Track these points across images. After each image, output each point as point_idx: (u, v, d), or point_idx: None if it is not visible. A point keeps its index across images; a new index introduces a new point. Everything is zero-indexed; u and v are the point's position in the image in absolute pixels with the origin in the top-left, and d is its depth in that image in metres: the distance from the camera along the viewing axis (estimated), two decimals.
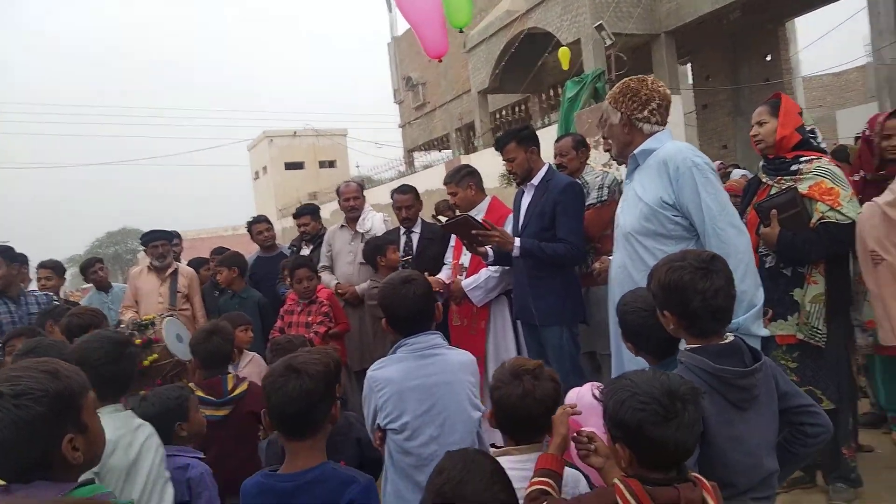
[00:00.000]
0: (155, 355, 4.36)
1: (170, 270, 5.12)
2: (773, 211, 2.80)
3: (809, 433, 1.81)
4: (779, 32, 14.24)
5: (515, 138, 3.57)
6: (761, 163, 3.09)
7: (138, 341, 4.34)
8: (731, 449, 1.66)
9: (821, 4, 13.26)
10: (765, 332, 2.27)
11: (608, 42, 10.06)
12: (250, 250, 6.11)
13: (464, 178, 3.97)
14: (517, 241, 3.40)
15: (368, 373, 2.31)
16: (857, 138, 3.61)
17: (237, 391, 2.97)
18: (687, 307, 1.73)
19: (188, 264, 5.61)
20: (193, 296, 5.16)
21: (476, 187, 3.99)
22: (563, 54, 7.65)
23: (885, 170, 3.26)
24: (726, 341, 1.77)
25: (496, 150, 3.75)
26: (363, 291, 4.58)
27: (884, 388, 3.38)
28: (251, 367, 4.00)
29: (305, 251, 5.41)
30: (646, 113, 2.46)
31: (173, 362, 4.41)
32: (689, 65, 16.00)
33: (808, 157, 2.89)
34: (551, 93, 12.57)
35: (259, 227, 5.86)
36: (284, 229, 21.51)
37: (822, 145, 3.05)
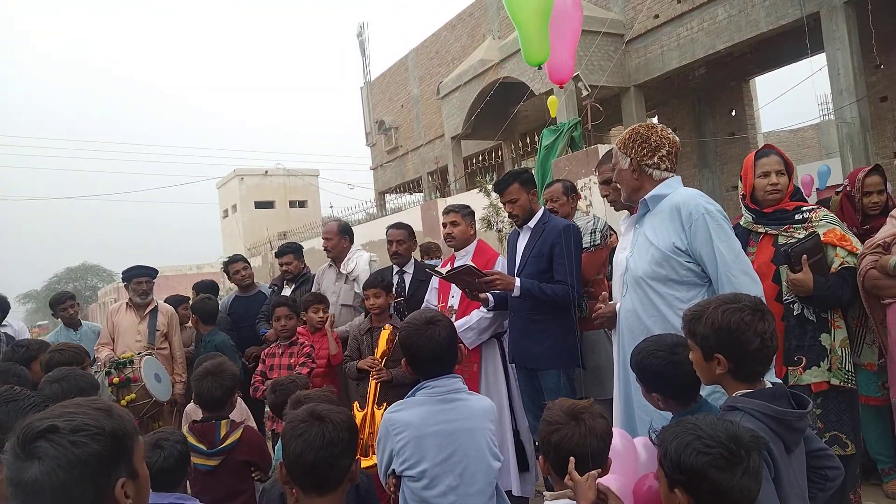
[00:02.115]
0: (132, 395, 4.25)
1: (149, 308, 5.00)
2: (804, 257, 2.83)
3: (829, 476, 1.81)
4: (743, 89, 14.81)
5: (518, 180, 3.62)
6: (748, 216, 3.13)
7: (115, 380, 4.24)
8: (791, 493, 1.64)
9: (780, 65, 13.85)
10: (777, 381, 2.29)
11: (585, 93, 10.33)
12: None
13: (468, 215, 4.05)
14: (517, 280, 3.42)
15: (386, 415, 2.23)
16: (837, 192, 3.75)
17: (229, 440, 2.84)
18: (745, 350, 1.70)
19: (166, 301, 5.50)
20: (172, 334, 5.04)
21: (473, 227, 4.07)
22: (552, 103, 7.88)
23: (869, 224, 3.40)
24: (770, 386, 1.77)
25: (496, 191, 3.79)
26: (342, 334, 4.53)
27: (872, 437, 3.44)
28: (237, 410, 3.91)
29: (287, 291, 5.35)
30: (655, 159, 2.50)
31: (151, 403, 4.29)
32: (656, 117, 16.48)
33: (809, 207, 2.98)
34: (527, 140, 12.79)
35: (236, 266, 5.79)
36: (254, 268, 21.16)
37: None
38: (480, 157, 14.45)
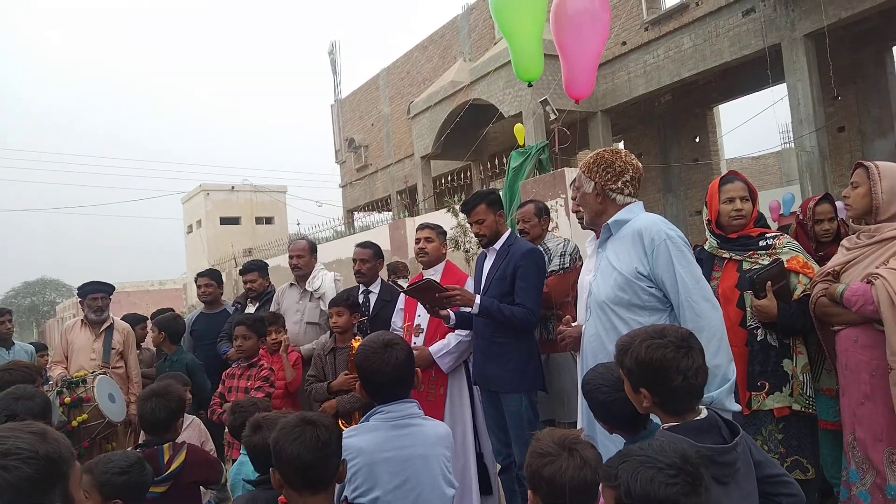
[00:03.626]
0: (84, 415, 4.11)
1: (105, 325, 4.86)
2: (768, 283, 2.86)
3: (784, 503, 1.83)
4: (707, 116, 15.16)
5: (485, 201, 3.61)
6: (713, 241, 3.16)
7: (67, 399, 4.10)
8: None
9: (743, 93, 14.22)
10: (737, 407, 2.30)
11: (552, 116, 10.46)
12: (177, 305, 5.94)
13: (441, 234, 4.04)
14: (477, 298, 3.41)
15: None
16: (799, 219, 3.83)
17: (174, 465, 2.74)
18: (668, 386, 1.70)
19: (123, 319, 5.35)
20: (128, 353, 4.90)
21: (445, 247, 4.07)
22: (519, 131, 8.04)
23: (823, 252, 3.47)
24: (701, 416, 1.75)
25: (463, 212, 3.79)
26: (308, 352, 4.46)
27: (828, 461, 3.48)
28: (189, 432, 3.81)
29: (251, 309, 5.26)
30: (619, 184, 2.51)
31: (103, 424, 4.15)
32: (622, 142, 16.76)
33: (773, 234, 3.03)
34: (496, 161, 12.89)
35: (201, 280, 5.68)
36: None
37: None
38: (449, 178, 14.53)
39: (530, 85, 6.41)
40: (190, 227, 35.31)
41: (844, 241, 2.93)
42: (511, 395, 3.43)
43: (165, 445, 2.79)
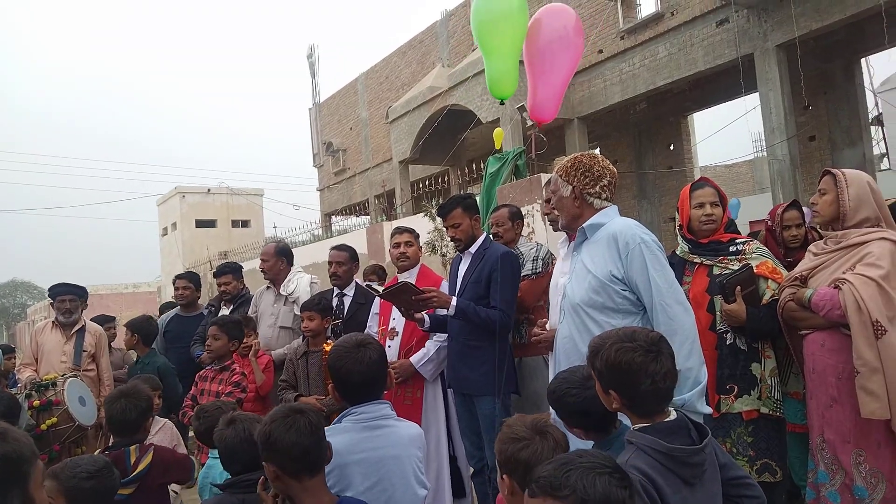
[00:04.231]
0: (54, 419, 4.04)
1: (76, 328, 4.79)
2: (738, 288, 2.90)
3: None
4: (681, 124, 15.35)
5: (461, 205, 3.64)
6: (685, 246, 3.21)
7: (36, 403, 4.03)
8: None
9: (716, 102, 14.43)
10: (708, 410, 2.33)
11: (529, 123, 10.51)
12: (152, 309, 5.87)
13: (418, 237, 4.08)
14: (453, 300, 3.43)
15: None
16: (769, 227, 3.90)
17: (140, 467, 2.70)
18: (636, 389, 1.72)
19: (91, 321, 5.27)
20: (100, 356, 4.82)
21: (420, 249, 4.10)
22: (498, 135, 8.08)
23: (791, 258, 3.54)
24: (671, 418, 1.77)
25: (439, 215, 3.81)
26: (280, 357, 4.43)
27: (796, 464, 3.54)
28: (161, 435, 3.77)
29: (224, 312, 5.22)
30: (597, 189, 2.54)
31: (73, 427, 4.09)
32: (598, 149, 16.91)
33: (743, 240, 3.08)
34: (473, 166, 12.93)
35: (179, 283, 5.63)
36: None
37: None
38: (427, 182, 14.54)
39: (502, 103, 6.43)
40: (165, 229, 34.92)
41: (812, 247, 2.99)
42: (484, 398, 3.44)
43: (132, 447, 2.76)
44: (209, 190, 33.31)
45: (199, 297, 5.79)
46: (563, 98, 13.62)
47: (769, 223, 3.77)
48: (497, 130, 8.06)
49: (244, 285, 5.37)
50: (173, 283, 5.76)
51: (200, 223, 32.72)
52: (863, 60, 12.21)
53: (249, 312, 4.81)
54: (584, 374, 2.01)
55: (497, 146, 8.22)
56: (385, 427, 2.18)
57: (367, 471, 2.09)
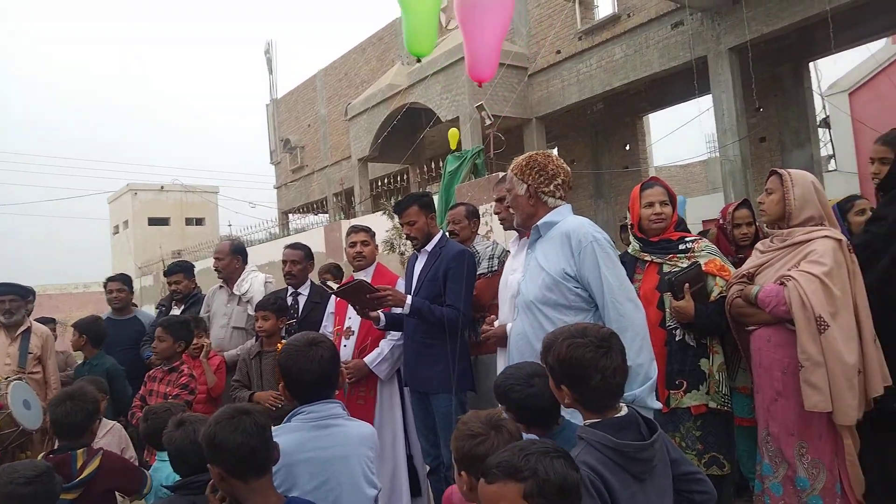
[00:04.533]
0: None
1: (21, 329, 4.62)
2: (686, 285, 2.96)
3: (698, 501, 1.87)
4: (636, 125, 15.59)
5: (418, 203, 3.64)
6: (636, 244, 3.27)
7: None
8: None
9: (671, 104, 14.70)
10: (658, 405, 2.37)
11: (488, 122, 10.55)
12: (103, 310, 5.68)
13: (374, 236, 4.06)
14: (409, 298, 3.42)
15: None
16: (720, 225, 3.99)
17: (86, 471, 2.63)
18: (587, 384, 1.73)
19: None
20: (47, 358, 4.65)
21: (376, 248, 4.08)
22: (453, 135, 8.05)
23: (742, 255, 3.62)
24: (622, 414, 1.79)
25: (395, 212, 3.80)
26: (233, 358, 4.36)
27: (745, 457, 3.62)
28: (109, 438, 3.68)
29: (176, 311, 5.10)
30: (551, 187, 2.56)
31: (17, 432, 3.95)
32: (556, 149, 17.08)
33: (692, 238, 3.15)
34: (432, 165, 12.92)
35: (112, 285, 5.41)
36: (144, 288, 20.20)
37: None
38: (387, 180, 14.48)
39: (419, 61, 6.39)
40: (116, 227, 34.12)
41: (758, 245, 3.07)
42: (440, 396, 3.44)
43: (79, 451, 2.68)
44: (162, 187, 32.66)
45: (132, 299, 5.63)
46: (522, 97, 13.82)
47: (721, 221, 3.86)
48: (452, 131, 8.04)
49: (196, 284, 5.26)
50: (104, 286, 5.54)
51: (153, 221, 32.06)
52: (811, 64, 12.58)
53: (201, 312, 4.71)
54: (529, 370, 2.05)
55: (452, 146, 8.21)
56: (334, 426, 2.16)
57: (315, 470, 2.07)
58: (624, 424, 1.76)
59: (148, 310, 9.87)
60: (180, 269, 5.17)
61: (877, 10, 10.05)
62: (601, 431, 1.72)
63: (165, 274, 5.36)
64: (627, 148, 15.49)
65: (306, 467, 2.07)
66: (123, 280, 5.56)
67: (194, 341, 4.17)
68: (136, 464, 3.22)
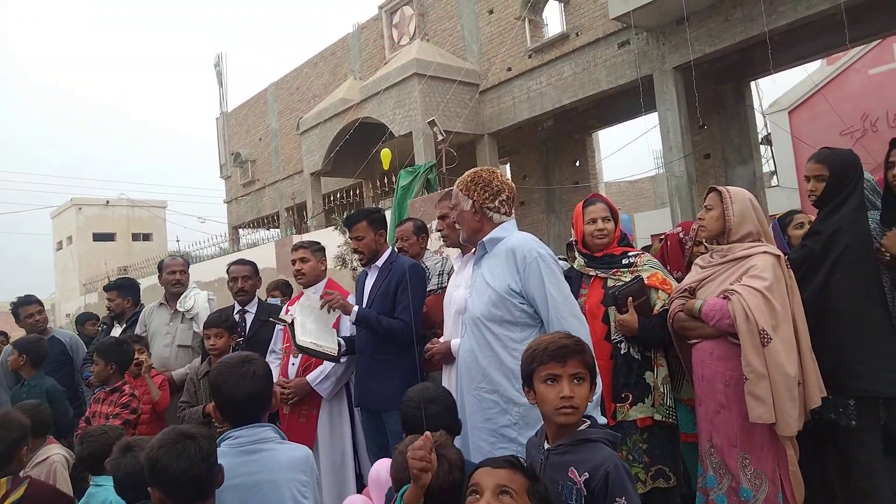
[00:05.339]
0: None
1: None
2: (630, 299, 3.00)
3: None
4: (586, 141, 15.86)
5: (367, 218, 3.63)
6: (581, 259, 3.30)
7: None
8: None
9: (619, 121, 15.01)
10: (603, 420, 2.39)
11: (440, 137, 10.61)
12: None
13: (318, 251, 3.97)
14: (355, 308, 3.41)
15: None
16: (660, 239, 4.05)
17: (9, 500, 2.54)
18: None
19: None
20: None
21: (324, 263, 4.00)
22: (385, 156, 8.05)
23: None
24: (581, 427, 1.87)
25: (345, 226, 3.78)
26: (181, 377, 4.23)
27: (695, 473, 3.65)
28: (39, 469, 3.50)
29: (117, 330, 4.94)
30: (496, 203, 2.57)
31: None
32: (508, 164, 17.24)
33: (635, 252, 3.19)
34: (385, 180, 12.89)
35: (29, 309, 5.13)
36: (88, 305, 19.55)
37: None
38: (340, 195, 14.39)
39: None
40: (60, 243, 33.01)
41: (698, 260, 3.13)
42: (393, 413, 3.38)
43: (3, 479, 2.56)
44: (108, 202, 31.77)
45: (48, 321, 5.41)
46: (474, 113, 13.95)
47: (680, 234, 3.88)
48: (384, 151, 8.08)
49: (132, 302, 5.08)
50: (14, 311, 5.25)
51: (98, 237, 31.13)
52: (752, 83, 13.03)
53: (138, 331, 4.56)
54: (429, 394, 2.11)
55: (385, 167, 8.25)
56: (263, 451, 2.11)
57: (243, 496, 2.03)
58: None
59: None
60: (114, 287, 5.02)
61: (812, 33, 10.49)
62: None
63: (105, 289, 5.19)
64: (577, 164, 15.74)
65: (233, 494, 2.02)
66: (39, 302, 5.32)
67: (135, 357, 4.04)
68: (66, 493, 3.07)
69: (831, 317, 2.91)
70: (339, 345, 3.49)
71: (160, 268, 4.74)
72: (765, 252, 2.87)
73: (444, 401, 2.36)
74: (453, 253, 3.50)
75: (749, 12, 9.96)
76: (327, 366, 3.66)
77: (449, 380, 2.85)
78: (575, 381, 1.84)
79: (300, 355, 3.78)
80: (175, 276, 4.59)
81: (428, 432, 1.78)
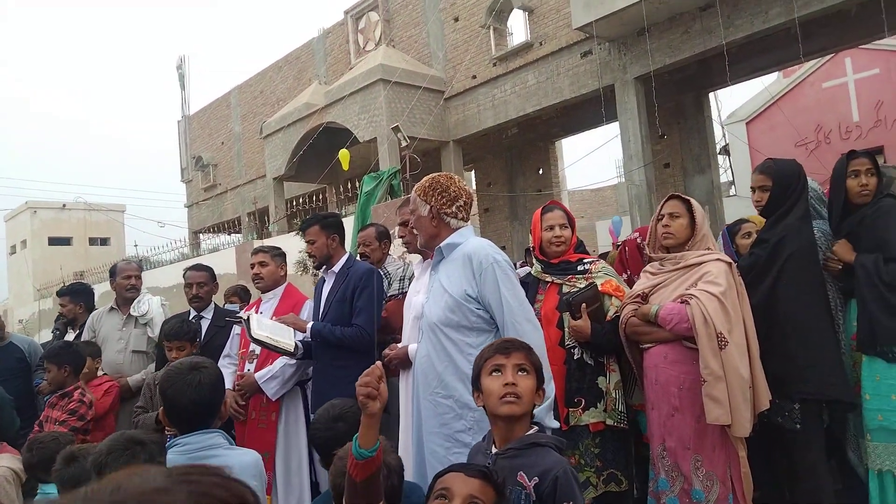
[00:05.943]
0: None
1: None
2: (583, 305, 3.04)
3: None
4: (549, 150, 16.02)
5: (320, 223, 3.63)
6: (538, 265, 3.34)
7: None
8: None
9: (582, 129, 15.19)
10: (555, 424, 2.42)
11: (403, 143, 10.62)
12: None
13: (278, 256, 3.94)
14: (310, 323, 3.39)
15: None
16: (616, 247, 4.12)
17: None
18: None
19: None
20: None
21: (283, 269, 3.97)
22: (344, 156, 8.00)
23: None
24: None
25: (300, 231, 3.77)
26: (136, 384, 4.15)
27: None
28: None
29: (70, 336, 4.82)
30: (454, 209, 2.59)
31: None
32: (473, 171, 17.32)
33: (590, 259, 3.25)
34: (348, 185, 12.83)
35: None
36: (43, 311, 19.04)
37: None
38: (303, 200, 14.28)
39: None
40: (13, 247, 32.06)
41: (648, 267, 3.19)
42: None
43: None
44: (64, 205, 30.97)
45: (3, 327, 5.28)
46: (439, 120, 13.99)
47: (638, 239, 3.94)
48: (342, 152, 8.05)
49: (92, 308, 4.97)
50: None
51: (54, 241, 30.31)
52: (711, 94, 13.32)
53: (86, 336, 4.47)
54: (336, 412, 2.13)
55: (345, 167, 8.23)
56: (211, 458, 2.08)
57: None
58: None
59: (46, 334, 9.28)
60: (67, 292, 4.92)
61: (768, 46, 10.78)
62: None
63: (58, 294, 5.08)
64: (541, 172, 15.88)
65: None
66: None
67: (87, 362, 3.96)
68: None
69: (777, 322, 3.00)
70: (297, 346, 3.47)
71: (112, 272, 4.65)
72: (717, 259, 2.95)
73: (352, 417, 2.26)
74: (415, 259, 3.50)
75: (708, 25, 10.20)
76: (276, 365, 3.62)
77: (406, 385, 2.85)
78: (519, 371, 1.86)
79: (255, 360, 3.74)
80: (130, 280, 4.52)
81: (378, 362, 1.78)
